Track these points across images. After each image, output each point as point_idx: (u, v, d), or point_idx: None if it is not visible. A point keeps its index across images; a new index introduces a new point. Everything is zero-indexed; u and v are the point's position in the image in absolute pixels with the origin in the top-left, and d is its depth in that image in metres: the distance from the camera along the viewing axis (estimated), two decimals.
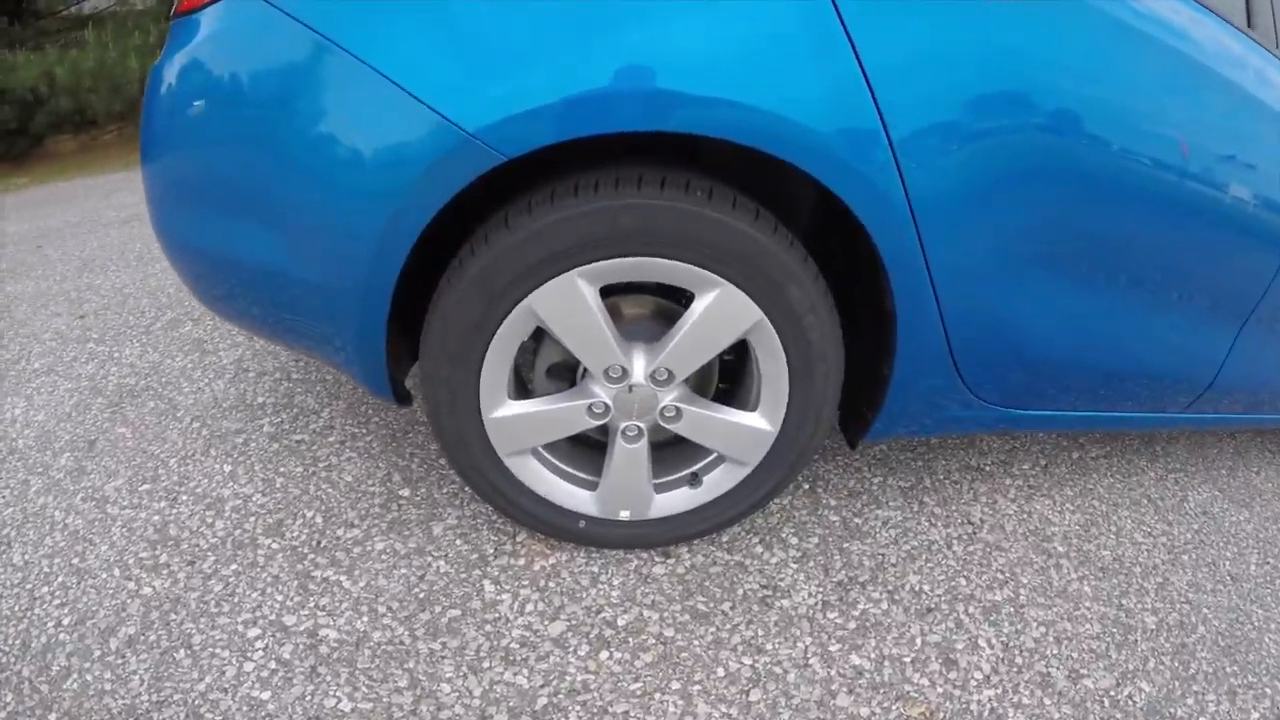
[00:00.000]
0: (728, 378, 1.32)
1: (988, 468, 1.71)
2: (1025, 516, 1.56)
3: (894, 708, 1.10)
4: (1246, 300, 1.46)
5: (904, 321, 1.12)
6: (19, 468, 1.59)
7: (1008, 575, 1.39)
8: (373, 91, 0.94)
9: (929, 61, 0.98)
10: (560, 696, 1.07)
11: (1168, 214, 1.23)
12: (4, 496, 1.50)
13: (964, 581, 1.36)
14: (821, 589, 1.29)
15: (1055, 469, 1.76)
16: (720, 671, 1.13)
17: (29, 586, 1.27)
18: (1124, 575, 1.44)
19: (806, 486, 1.56)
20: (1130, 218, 1.20)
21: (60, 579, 1.28)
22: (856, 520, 1.47)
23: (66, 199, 4.70)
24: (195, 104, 1.09)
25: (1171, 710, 1.16)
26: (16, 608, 1.23)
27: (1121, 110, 1.10)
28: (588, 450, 1.30)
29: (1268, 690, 1.23)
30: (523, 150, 0.93)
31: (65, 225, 3.90)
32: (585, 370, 1.16)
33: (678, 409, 1.17)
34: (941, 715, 1.10)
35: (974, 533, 1.49)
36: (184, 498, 1.47)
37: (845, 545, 1.40)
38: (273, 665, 1.11)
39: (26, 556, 1.33)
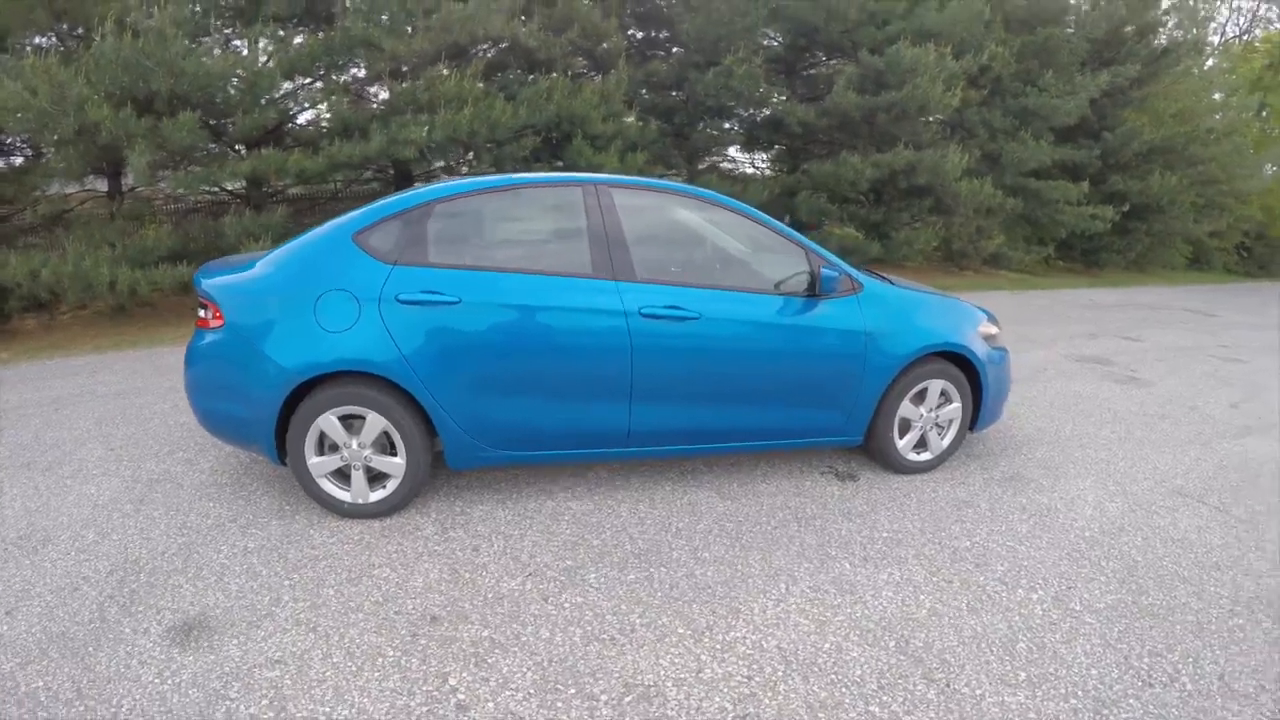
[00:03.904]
0: (391, 445, 3.42)
1: (553, 490, 3.88)
2: (558, 507, 3.67)
3: (455, 563, 3.27)
4: (622, 388, 3.37)
5: (435, 419, 3.31)
6: (119, 527, 3.61)
7: (526, 525, 3.49)
8: (269, 359, 3.17)
9: (415, 329, 3.20)
10: (330, 547, 3.23)
11: (550, 360, 3.30)
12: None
13: (503, 525, 3.49)
14: (437, 529, 3.43)
15: (597, 487, 3.90)
16: (391, 548, 3.26)
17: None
18: (599, 527, 3.56)
19: (447, 488, 3.77)
20: (525, 361, 3.29)
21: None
22: (464, 505, 3.65)
23: (58, 375, 6.38)
24: (209, 360, 3.31)
25: (582, 573, 3.22)
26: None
27: (511, 323, 3.29)
28: (344, 476, 3.44)
29: (654, 572, 3.15)
30: (305, 379, 3.17)
31: (67, 395, 5.63)
32: (338, 444, 3.35)
33: (372, 457, 3.37)
34: (464, 568, 3.26)
35: (521, 514, 3.60)
36: (195, 518, 3.57)
37: (457, 516, 3.58)
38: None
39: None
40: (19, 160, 9.30)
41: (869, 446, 3.97)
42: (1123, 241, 17.52)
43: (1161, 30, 17.57)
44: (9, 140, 9.16)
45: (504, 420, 3.40)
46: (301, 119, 10.05)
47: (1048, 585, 3.07)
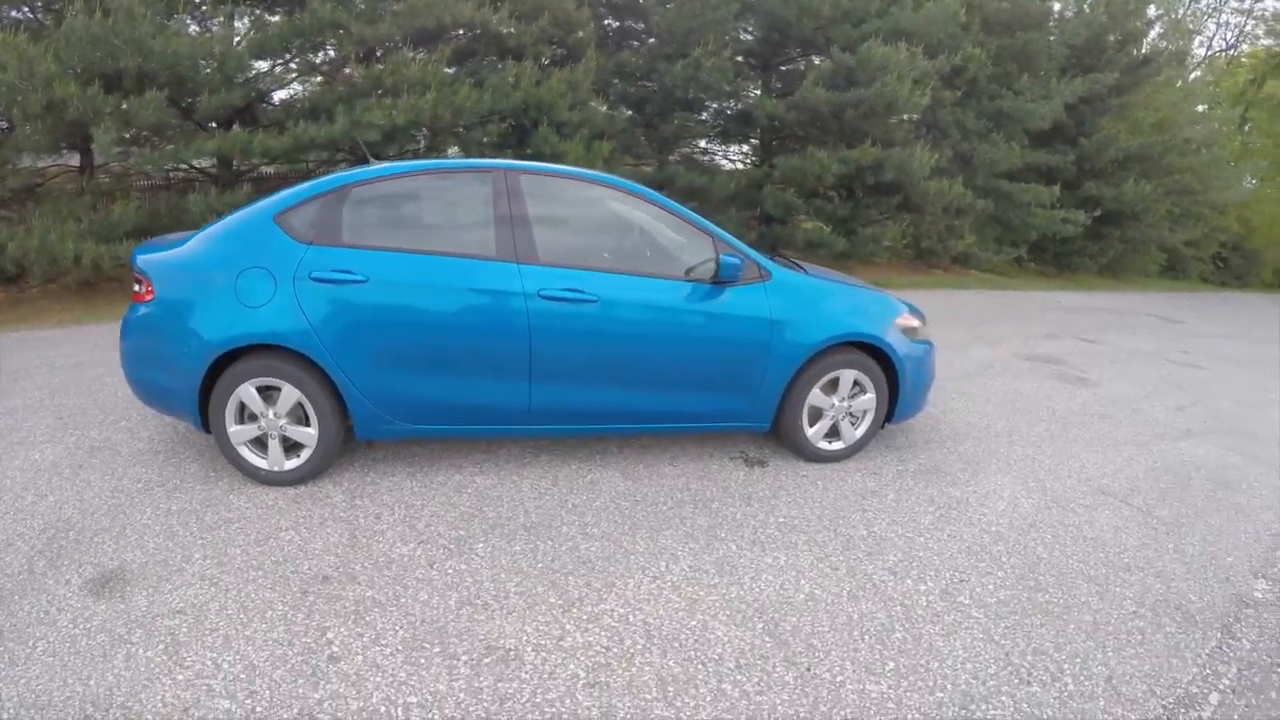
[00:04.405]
0: (306, 416, 3.62)
1: (463, 465, 4.09)
2: (464, 480, 3.84)
3: (356, 529, 3.47)
4: (522, 367, 3.51)
5: (343, 391, 3.51)
6: (56, 489, 3.83)
7: (429, 497, 3.69)
8: (193, 332, 3.37)
9: (325, 306, 3.40)
10: (245, 511, 3.43)
11: (451, 337, 3.47)
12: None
13: (408, 496, 3.73)
14: (346, 498, 3.63)
15: (505, 463, 4.12)
16: (300, 513, 3.46)
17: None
18: (498, 501, 3.82)
19: (362, 460, 3.97)
20: (427, 338, 3.47)
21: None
22: (375, 476, 3.86)
23: (21, 347, 6.57)
24: (141, 332, 3.50)
25: (472, 543, 3.43)
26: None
27: (415, 302, 3.48)
28: (262, 445, 3.63)
29: (540, 545, 3.37)
30: (224, 351, 3.38)
31: (26, 367, 5.82)
32: (256, 414, 3.54)
33: (287, 426, 3.57)
34: (362, 533, 3.45)
35: (428, 486, 3.78)
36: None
37: (367, 486, 3.78)
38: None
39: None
40: None
41: (778, 433, 4.03)
42: (1096, 246, 17.69)
43: (1145, 40, 17.66)
44: None
45: (408, 394, 3.58)
46: (277, 99, 10.16)
47: (938, 578, 3.06)
